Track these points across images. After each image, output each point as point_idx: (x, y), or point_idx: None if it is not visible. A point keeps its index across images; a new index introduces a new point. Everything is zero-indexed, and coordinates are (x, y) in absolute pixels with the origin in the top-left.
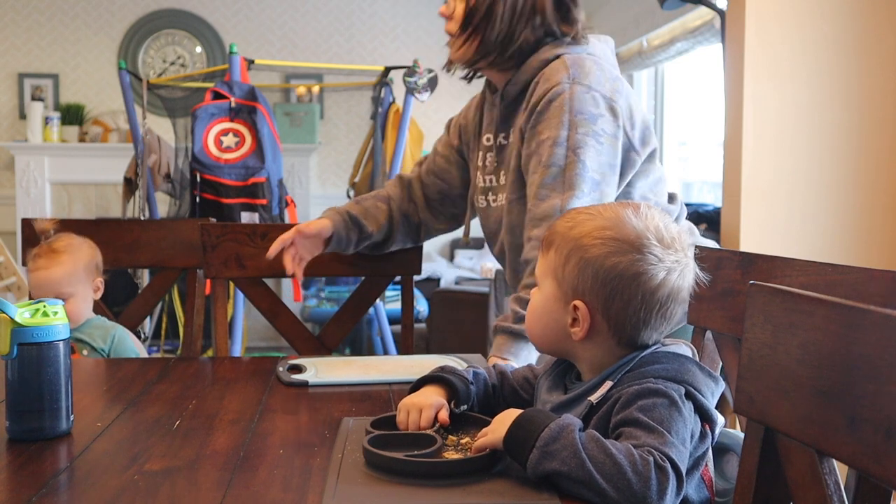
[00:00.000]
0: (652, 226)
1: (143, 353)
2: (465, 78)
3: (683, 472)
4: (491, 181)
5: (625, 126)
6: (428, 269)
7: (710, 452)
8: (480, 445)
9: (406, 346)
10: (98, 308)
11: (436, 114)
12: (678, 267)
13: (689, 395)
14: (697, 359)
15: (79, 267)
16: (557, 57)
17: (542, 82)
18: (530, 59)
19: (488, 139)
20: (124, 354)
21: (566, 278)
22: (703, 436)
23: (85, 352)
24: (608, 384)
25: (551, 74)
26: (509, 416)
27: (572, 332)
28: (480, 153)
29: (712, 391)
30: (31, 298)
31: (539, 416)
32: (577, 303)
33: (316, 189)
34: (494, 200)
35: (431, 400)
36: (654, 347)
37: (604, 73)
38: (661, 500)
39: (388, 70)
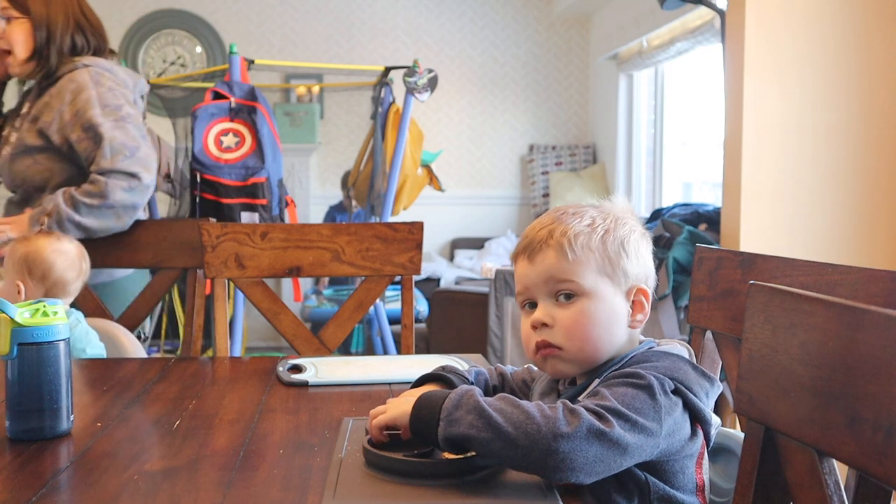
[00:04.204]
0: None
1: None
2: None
3: (613, 427)
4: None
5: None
6: (428, 269)
7: (705, 456)
8: (381, 423)
9: (406, 346)
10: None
11: (435, 114)
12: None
13: (678, 392)
14: (694, 359)
15: (11, 258)
16: (84, 66)
17: (70, 83)
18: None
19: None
20: (81, 342)
21: (619, 269)
22: (692, 435)
23: None
24: (596, 381)
25: (77, 78)
26: (407, 395)
27: (635, 321)
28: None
29: (707, 391)
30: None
31: (437, 393)
32: (642, 287)
33: (316, 189)
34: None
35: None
36: (648, 346)
37: (114, 78)
38: (568, 440)
39: (388, 70)
